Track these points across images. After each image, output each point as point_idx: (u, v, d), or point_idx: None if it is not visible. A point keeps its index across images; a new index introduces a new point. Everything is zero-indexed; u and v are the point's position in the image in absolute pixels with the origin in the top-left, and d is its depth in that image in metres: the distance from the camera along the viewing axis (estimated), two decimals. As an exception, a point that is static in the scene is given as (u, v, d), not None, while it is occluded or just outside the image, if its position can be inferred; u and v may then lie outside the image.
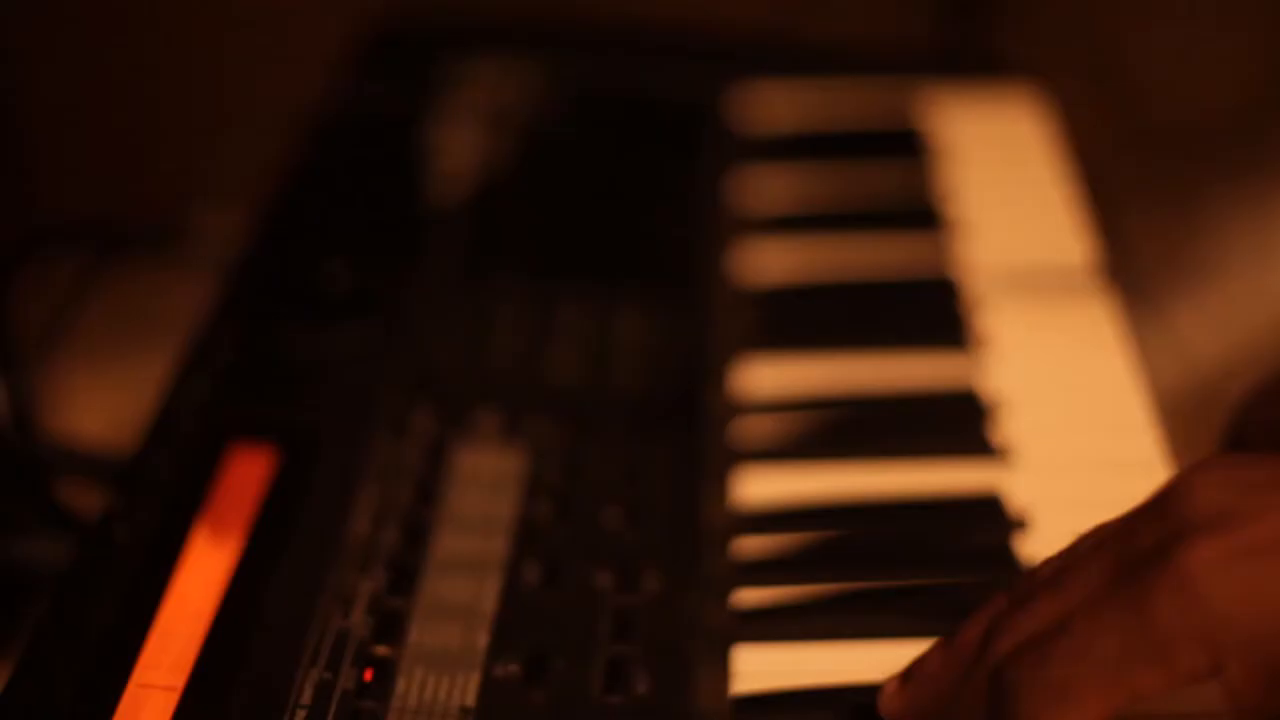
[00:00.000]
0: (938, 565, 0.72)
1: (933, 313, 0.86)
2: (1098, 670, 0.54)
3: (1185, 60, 1.37)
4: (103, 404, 0.90)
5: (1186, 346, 1.35)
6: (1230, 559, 0.53)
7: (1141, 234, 1.31)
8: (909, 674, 0.62)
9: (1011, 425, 0.79)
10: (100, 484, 0.80)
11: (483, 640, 0.67)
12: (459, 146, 0.97)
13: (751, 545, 0.72)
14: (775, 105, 1.04)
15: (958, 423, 0.79)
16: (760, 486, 0.76)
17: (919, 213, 0.94)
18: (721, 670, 0.67)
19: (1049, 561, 0.59)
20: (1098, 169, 1.03)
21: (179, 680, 0.65)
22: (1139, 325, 0.87)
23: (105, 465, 0.81)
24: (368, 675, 0.65)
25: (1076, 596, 0.56)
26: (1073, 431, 0.79)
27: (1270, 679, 0.53)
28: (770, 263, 0.91)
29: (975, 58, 1.15)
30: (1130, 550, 0.55)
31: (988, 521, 0.74)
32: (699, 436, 0.78)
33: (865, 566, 0.72)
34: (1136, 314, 0.89)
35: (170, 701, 0.64)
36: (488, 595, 0.69)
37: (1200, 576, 0.53)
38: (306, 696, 0.64)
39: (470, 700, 0.64)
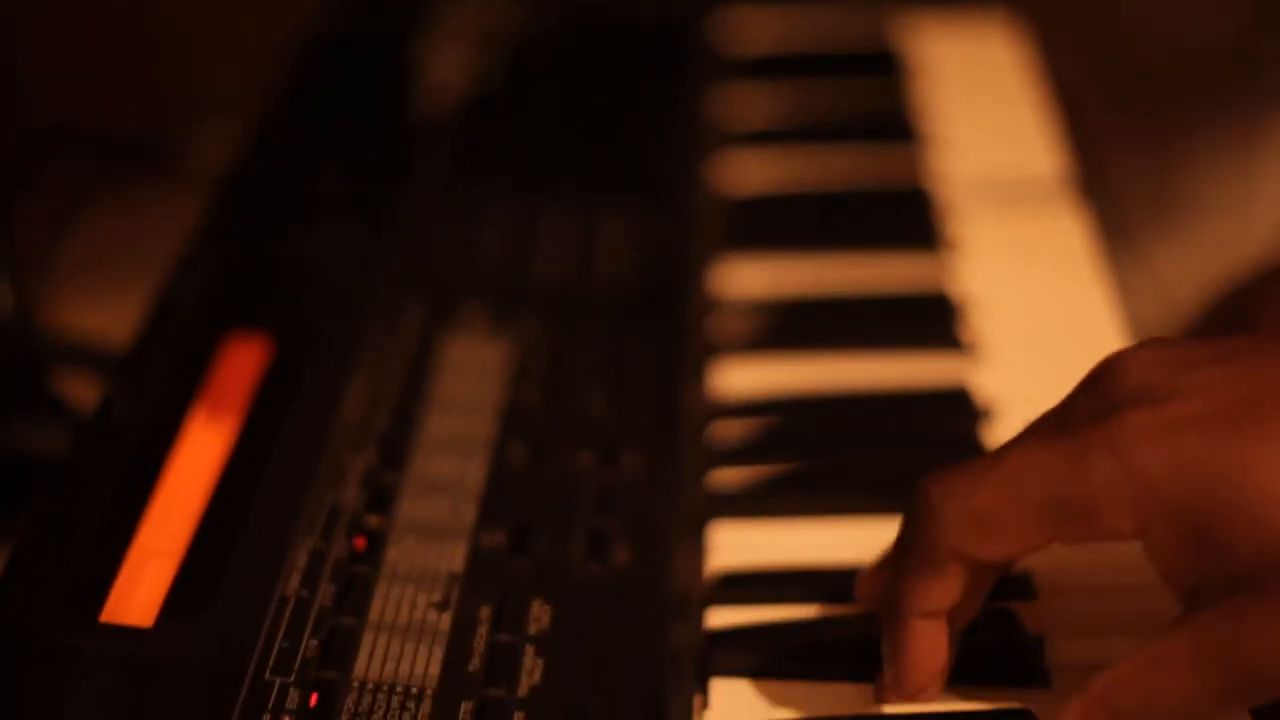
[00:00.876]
0: (905, 450, 0.75)
1: (906, 219, 0.89)
2: (1022, 509, 0.57)
3: (1168, 2, 1.39)
4: (100, 307, 0.92)
5: (1166, 286, 1.37)
6: (1160, 431, 0.56)
7: (1122, 174, 1.33)
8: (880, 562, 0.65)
9: (981, 324, 0.82)
10: (100, 375, 0.83)
11: (470, 513, 0.70)
12: (447, 63, 1.00)
13: (728, 430, 0.75)
14: (756, 27, 1.07)
15: (928, 320, 0.82)
16: (736, 377, 0.79)
17: (894, 127, 0.97)
18: (698, 545, 0.70)
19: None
20: (1080, 109, 1.05)
21: (178, 547, 0.67)
22: (1119, 264, 0.90)
23: (105, 358, 0.84)
24: (359, 544, 0.68)
25: (1014, 454, 0.58)
26: (1040, 331, 0.82)
27: (1192, 544, 0.55)
28: (749, 174, 0.93)
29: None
30: (1067, 420, 0.58)
31: (955, 411, 0.77)
32: (678, 330, 0.81)
33: (836, 451, 0.75)
34: (1116, 253, 0.91)
35: (170, 568, 0.67)
36: (475, 473, 0.72)
37: (1131, 444, 0.56)
38: (301, 563, 0.67)
39: (458, 567, 0.67)
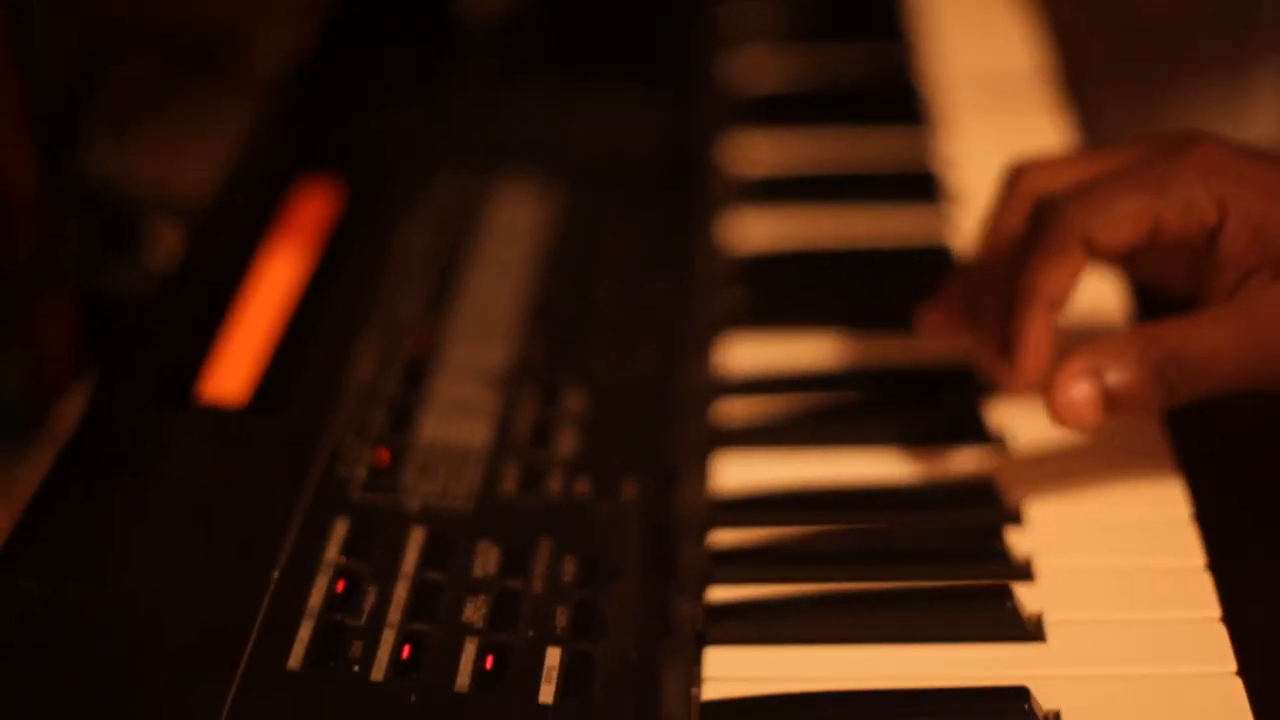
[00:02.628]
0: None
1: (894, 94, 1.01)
2: (1133, 194, 0.70)
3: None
4: (176, 171, 1.02)
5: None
6: (1239, 153, 0.71)
7: (1117, 123, 1.40)
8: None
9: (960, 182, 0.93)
10: (181, 225, 0.94)
11: (514, 324, 0.81)
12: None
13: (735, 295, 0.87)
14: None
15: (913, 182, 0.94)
16: (751, 228, 0.90)
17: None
18: (707, 356, 0.82)
19: None
20: (1077, 59, 1.14)
21: (264, 345, 0.79)
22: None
23: (186, 209, 0.95)
24: (419, 343, 0.79)
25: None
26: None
27: (1254, 239, 0.69)
28: (761, 71, 1.05)
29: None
30: (1158, 145, 0.73)
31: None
32: (695, 195, 0.92)
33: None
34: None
35: (256, 361, 0.78)
36: (513, 310, 0.82)
37: (1217, 154, 0.71)
38: (370, 355, 0.78)
39: (505, 361, 0.78)
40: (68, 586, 0.66)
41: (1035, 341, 0.71)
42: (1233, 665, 0.65)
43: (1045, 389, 0.69)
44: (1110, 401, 0.69)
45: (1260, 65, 1.38)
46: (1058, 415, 0.69)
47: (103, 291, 0.95)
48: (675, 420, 0.77)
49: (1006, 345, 0.72)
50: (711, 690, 0.64)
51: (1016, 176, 0.76)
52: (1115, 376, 0.68)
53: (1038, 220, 0.72)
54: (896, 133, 0.98)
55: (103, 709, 0.61)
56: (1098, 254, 0.71)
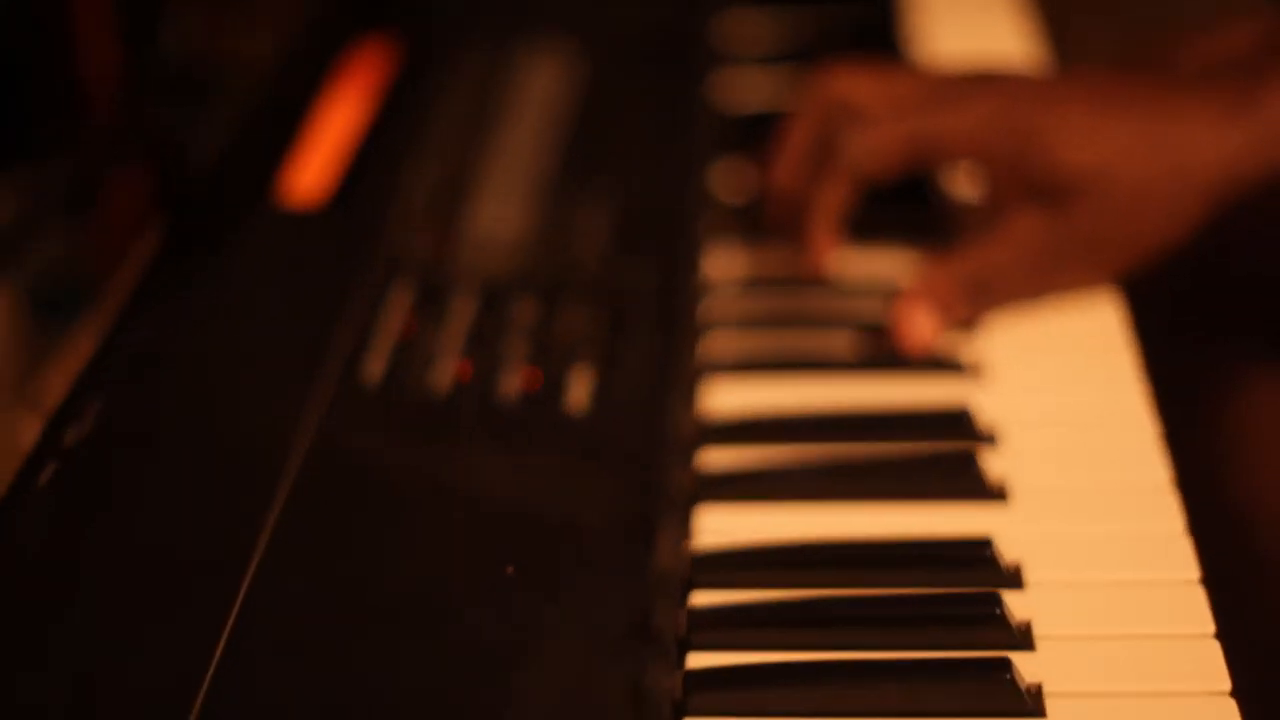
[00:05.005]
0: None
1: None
2: (903, 125, 0.84)
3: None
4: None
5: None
6: (1026, 91, 0.85)
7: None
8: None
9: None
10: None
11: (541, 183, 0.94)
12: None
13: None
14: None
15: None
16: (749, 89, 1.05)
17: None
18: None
19: None
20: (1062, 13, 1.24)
21: (337, 158, 0.93)
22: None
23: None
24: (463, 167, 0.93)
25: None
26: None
27: (1011, 170, 0.83)
28: None
29: None
30: (956, 79, 0.87)
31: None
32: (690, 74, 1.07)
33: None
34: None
35: (334, 169, 0.92)
36: (541, 151, 0.96)
37: (1001, 91, 0.85)
38: (423, 171, 0.92)
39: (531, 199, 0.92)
40: (177, 334, 0.81)
41: (820, 241, 0.85)
42: None
43: (891, 319, 0.83)
44: (939, 325, 0.83)
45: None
46: (902, 339, 0.83)
47: (178, 159, 1.08)
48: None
49: (801, 233, 0.86)
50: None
51: (821, 82, 0.88)
52: (940, 303, 0.83)
53: (821, 144, 0.85)
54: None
55: (208, 413, 0.76)
56: (869, 179, 0.85)
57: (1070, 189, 0.81)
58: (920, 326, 0.83)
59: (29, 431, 0.75)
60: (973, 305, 0.84)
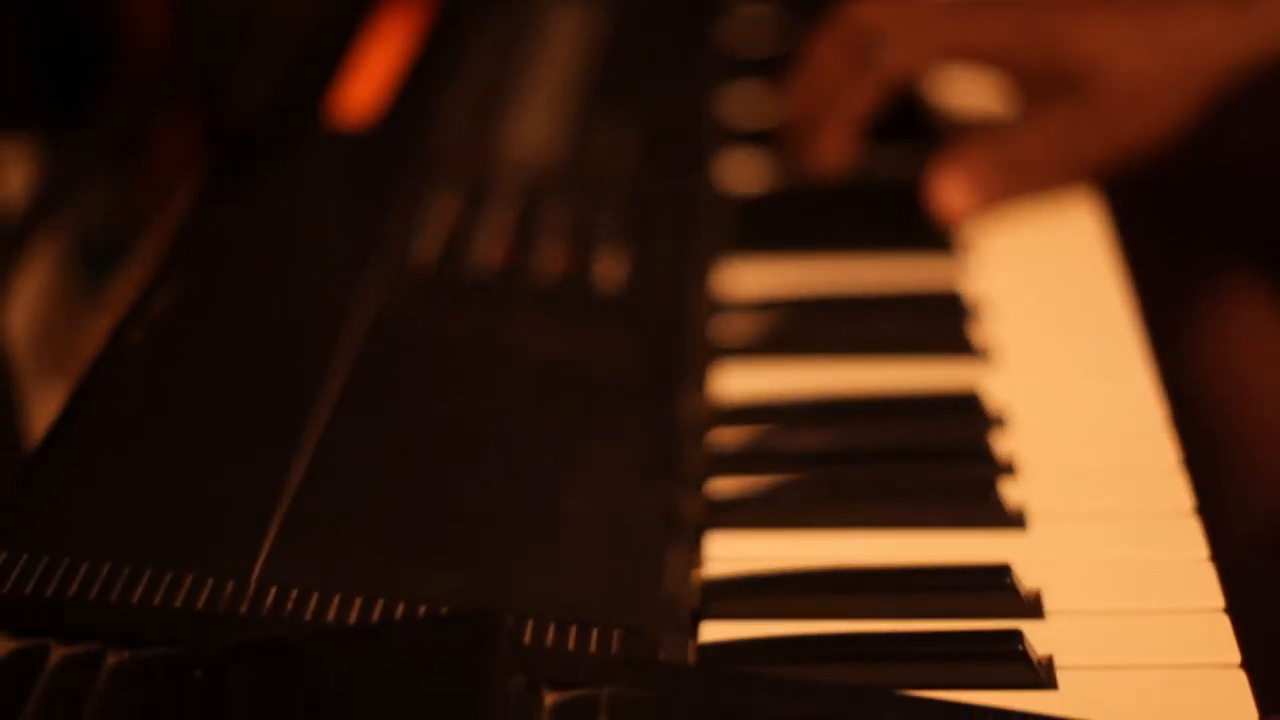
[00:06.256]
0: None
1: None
2: (941, 32, 0.91)
3: None
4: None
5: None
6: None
7: None
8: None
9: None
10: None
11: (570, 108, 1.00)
12: None
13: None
14: None
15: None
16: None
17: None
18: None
19: None
20: None
21: (386, 84, 1.01)
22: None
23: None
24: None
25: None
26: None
27: (1045, 62, 0.90)
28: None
29: None
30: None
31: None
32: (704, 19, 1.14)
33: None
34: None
35: (384, 90, 1.00)
36: (569, 82, 1.03)
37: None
38: (469, 93, 1.00)
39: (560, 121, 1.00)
40: (240, 233, 0.89)
41: (836, 136, 0.92)
42: None
43: (926, 187, 0.89)
44: (971, 199, 0.90)
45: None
46: (936, 208, 0.89)
47: (223, 101, 1.14)
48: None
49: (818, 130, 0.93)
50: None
51: (846, 8, 0.92)
52: (973, 178, 0.90)
53: (852, 54, 0.91)
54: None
55: (280, 290, 0.84)
56: (899, 85, 0.92)
57: (1084, 75, 0.88)
58: (954, 195, 0.89)
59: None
60: (1004, 184, 0.90)
